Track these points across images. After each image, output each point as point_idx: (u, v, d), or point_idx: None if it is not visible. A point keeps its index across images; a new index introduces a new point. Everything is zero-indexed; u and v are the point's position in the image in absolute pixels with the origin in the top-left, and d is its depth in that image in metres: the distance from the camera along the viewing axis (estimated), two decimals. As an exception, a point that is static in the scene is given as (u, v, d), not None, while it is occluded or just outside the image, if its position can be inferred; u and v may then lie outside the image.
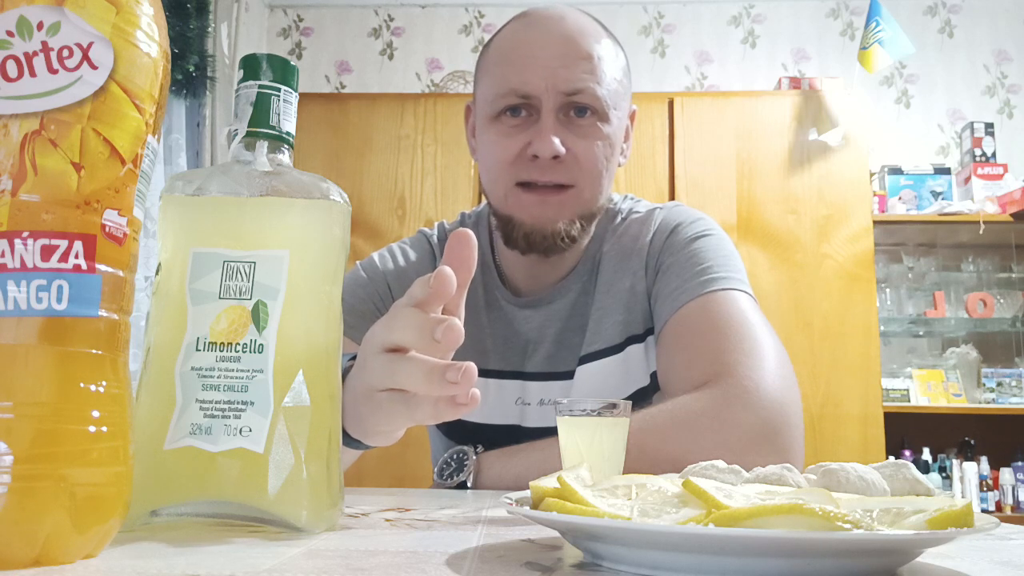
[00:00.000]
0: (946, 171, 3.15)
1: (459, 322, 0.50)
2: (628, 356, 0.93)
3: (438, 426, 1.01)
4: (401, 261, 1.01)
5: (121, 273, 0.36)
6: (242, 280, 0.45)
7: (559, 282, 0.98)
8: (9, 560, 0.32)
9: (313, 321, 0.47)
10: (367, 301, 0.95)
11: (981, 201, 2.99)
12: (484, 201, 1.07)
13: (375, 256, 1.02)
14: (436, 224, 1.07)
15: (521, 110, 0.90)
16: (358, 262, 1.03)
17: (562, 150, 0.87)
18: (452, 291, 0.51)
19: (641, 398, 0.92)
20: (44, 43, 0.34)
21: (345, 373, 0.61)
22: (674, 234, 0.95)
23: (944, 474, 2.96)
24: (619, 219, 1.00)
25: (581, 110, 0.89)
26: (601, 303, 0.95)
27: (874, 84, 3.34)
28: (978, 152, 3.18)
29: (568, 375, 0.94)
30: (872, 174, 2.97)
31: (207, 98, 2.58)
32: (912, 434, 2.97)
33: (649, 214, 0.99)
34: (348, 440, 0.60)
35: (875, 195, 2.97)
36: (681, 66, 3.47)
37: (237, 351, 0.44)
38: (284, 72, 0.49)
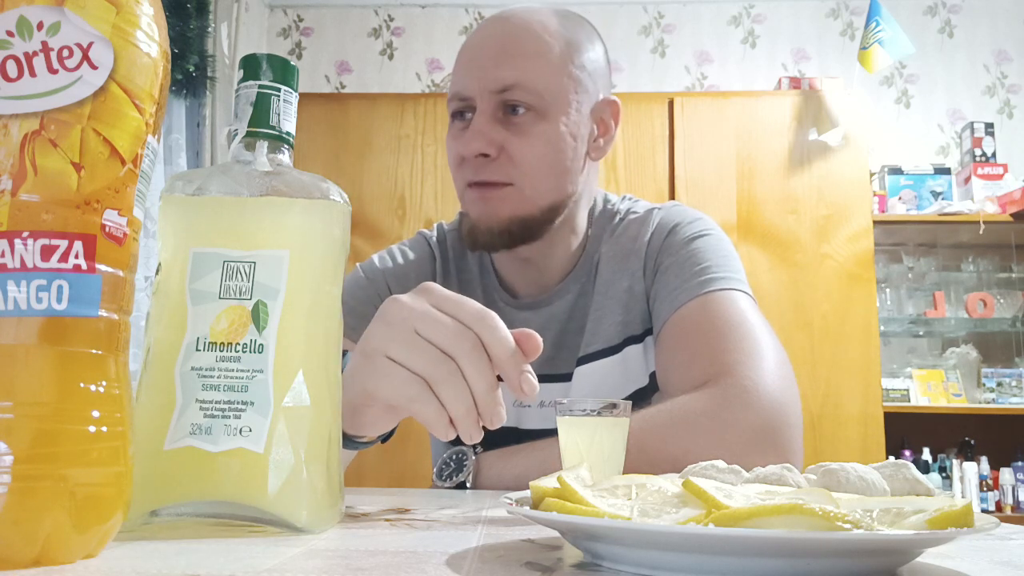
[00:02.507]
0: (946, 171, 3.15)
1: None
2: (626, 357, 0.93)
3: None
4: (401, 262, 1.01)
5: (121, 273, 0.36)
6: (242, 280, 0.45)
7: (558, 284, 0.98)
8: (9, 560, 0.32)
9: (313, 321, 0.47)
10: (367, 302, 0.95)
11: (981, 201, 2.99)
12: None
13: (375, 258, 1.02)
14: (435, 225, 1.07)
15: (466, 113, 0.91)
16: (358, 264, 1.03)
17: (485, 149, 0.88)
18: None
19: (640, 399, 0.92)
20: (44, 43, 0.34)
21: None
22: (672, 234, 0.95)
23: (944, 474, 2.96)
24: (617, 219, 1.00)
25: (514, 108, 0.89)
26: (599, 304, 0.95)
27: (874, 84, 3.34)
28: (978, 152, 3.18)
29: (567, 377, 0.94)
30: (872, 174, 2.97)
31: (207, 98, 2.58)
32: (912, 434, 2.97)
33: (647, 214, 0.99)
34: (344, 440, 0.60)
35: (875, 195, 2.97)
36: (681, 66, 3.47)
37: (237, 351, 0.44)
38: (284, 72, 0.49)
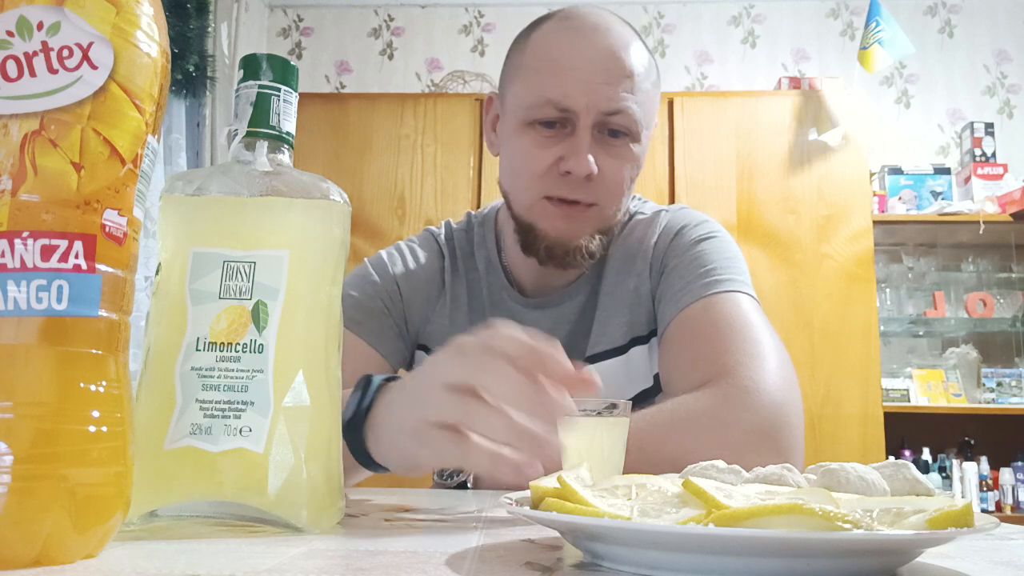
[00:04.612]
0: (946, 171, 3.15)
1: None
2: (632, 357, 0.93)
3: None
4: (411, 263, 1.00)
5: (121, 273, 0.36)
6: (242, 280, 0.45)
7: (568, 285, 0.97)
8: (9, 560, 0.32)
9: (313, 321, 0.47)
10: (376, 298, 0.95)
11: (981, 201, 2.99)
12: (492, 203, 1.06)
13: (383, 255, 1.02)
14: (443, 223, 1.07)
15: (556, 122, 0.88)
16: (367, 259, 1.02)
17: (595, 170, 0.86)
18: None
19: (644, 399, 0.92)
20: (44, 43, 0.34)
21: (376, 390, 0.59)
22: (679, 236, 0.95)
23: (944, 474, 2.96)
24: (625, 220, 1.00)
25: (615, 132, 0.88)
26: (606, 304, 0.95)
27: (874, 84, 3.34)
28: (978, 152, 3.18)
29: None
30: (872, 174, 2.97)
31: (207, 98, 2.58)
32: (912, 434, 2.97)
33: (654, 216, 0.99)
34: (367, 461, 0.59)
35: (875, 195, 2.97)
36: (681, 66, 3.47)
37: (237, 351, 0.44)
38: (284, 72, 0.49)
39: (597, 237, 0.91)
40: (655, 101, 0.94)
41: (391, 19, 3.55)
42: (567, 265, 0.92)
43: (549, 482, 0.41)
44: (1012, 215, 2.90)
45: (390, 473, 0.61)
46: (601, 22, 0.90)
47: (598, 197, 0.89)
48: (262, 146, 0.48)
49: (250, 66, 0.49)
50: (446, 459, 0.52)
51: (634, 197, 1.05)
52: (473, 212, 1.08)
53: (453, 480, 0.80)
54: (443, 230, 1.05)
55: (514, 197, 0.93)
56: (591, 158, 0.86)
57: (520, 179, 0.91)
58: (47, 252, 0.33)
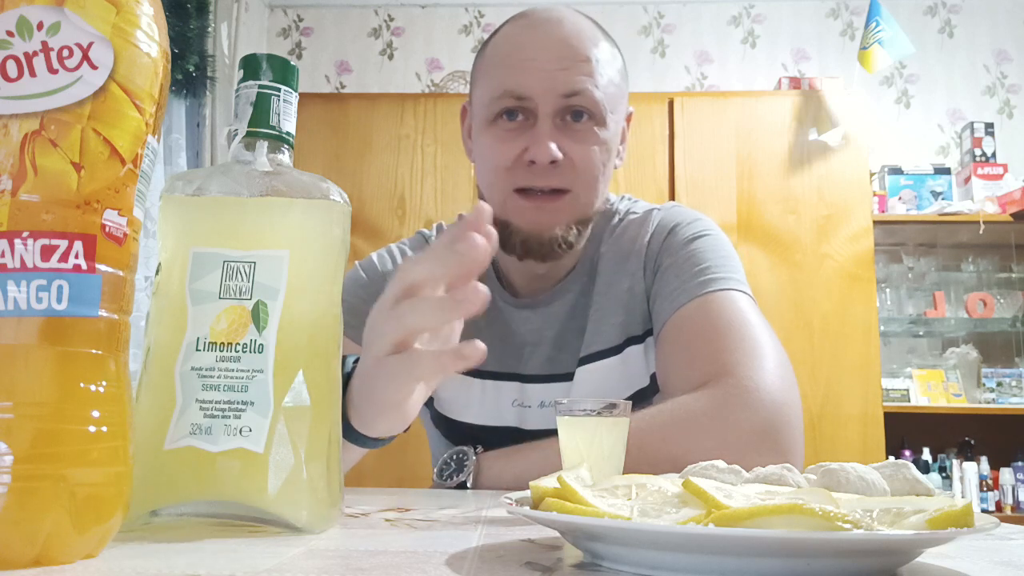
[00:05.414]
0: (946, 171, 3.15)
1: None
2: (627, 357, 0.93)
3: (437, 427, 1.01)
4: (400, 261, 1.00)
5: (121, 273, 0.36)
6: (242, 280, 0.45)
7: (558, 284, 0.97)
8: (9, 560, 0.32)
9: (313, 321, 0.47)
10: (368, 301, 0.95)
11: (981, 201, 2.99)
12: None
13: (374, 256, 1.02)
14: (435, 225, 1.07)
15: (518, 113, 0.89)
16: (357, 262, 1.02)
17: (559, 155, 0.86)
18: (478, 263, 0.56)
19: (641, 399, 0.92)
20: (44, 43, 0.34)
21: (349, 375, 0.61)
22: (672, 235, 0.95)
23: (944, 474, 2.96)
24: (616, 219, 1.00)
25: (578, 114, 0.88)
26: (600, 304, 0.95)
27: (874, 84, 3.34)
28: (978, 152, 3.18)
29: (568, 377, 0.94)
30: (872, 174, 2.97)
31: (207, 98, 2.58)
32: (912, 434, 2.97)
33: (647, 215, 0.99)
34: (355, 436, 0.60)
35: (875, 195, 2.97)
36: (681, 66, 3.47)
37: (237, 351, 0.44)
38: (284, 72, 0.49)
39: (575, 227, 0.91)
40: (621, 89, 0.93)
41: (391, 19, 3.54)
42: (545, 257, 0.91)
43: (549, 482, 0.41)
44: (1012, 215, 2.90)
45: (378, 445, 0.63)
46: (554, 15, 0.92)
47: (570, 183, 0.88)
48: (262, 146, 0.48)
49: (250, 66, 0.49)
50: (401, 379, 0.56)
51: (625, 197, 1.05)
52: (465, 214, 1.07)
53: (453, 480, 0.80)
54: (434, 232, 1.05)
55: (488, 196, 0.94)
56: (553, 145, 0.86)
57: (490, 176, 0.92)
58: (47, 252, 0.33)
